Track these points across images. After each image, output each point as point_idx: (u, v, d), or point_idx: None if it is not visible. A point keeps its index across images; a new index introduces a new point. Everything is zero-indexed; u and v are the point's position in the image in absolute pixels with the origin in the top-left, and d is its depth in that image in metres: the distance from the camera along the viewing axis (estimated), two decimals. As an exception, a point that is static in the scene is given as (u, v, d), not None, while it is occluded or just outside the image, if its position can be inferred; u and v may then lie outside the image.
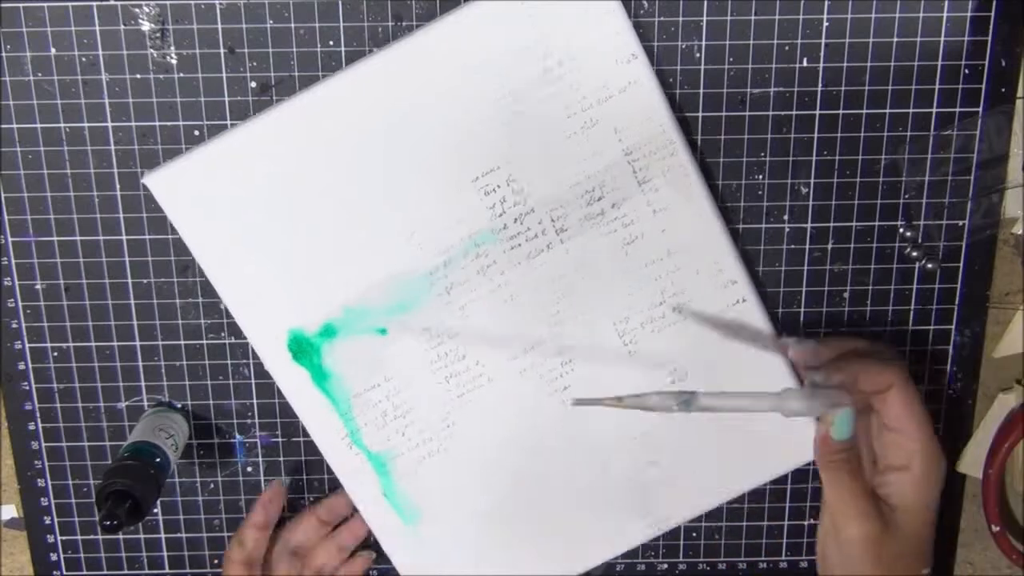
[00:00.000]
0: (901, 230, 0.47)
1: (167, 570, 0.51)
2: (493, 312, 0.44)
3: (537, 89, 0.41)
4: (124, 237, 0.46)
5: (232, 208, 0.42)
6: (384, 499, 0.46)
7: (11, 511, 0.51)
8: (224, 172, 0.42)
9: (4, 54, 0.44)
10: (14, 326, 0.47)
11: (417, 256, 0.43)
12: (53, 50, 0.44)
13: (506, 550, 0.47)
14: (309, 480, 0.50)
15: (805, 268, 0.47)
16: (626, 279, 0.44)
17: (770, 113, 0.45)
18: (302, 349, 0.44)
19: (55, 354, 0.48)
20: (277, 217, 0.42)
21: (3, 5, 0.43)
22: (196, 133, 0.45)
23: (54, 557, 0.51)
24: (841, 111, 0.45)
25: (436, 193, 0.42)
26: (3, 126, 0.44)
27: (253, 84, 0.44)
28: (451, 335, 0.44)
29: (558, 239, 0.43)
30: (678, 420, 0.44)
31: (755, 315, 0.44)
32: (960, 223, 0.47)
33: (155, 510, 0.50)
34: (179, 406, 0.48)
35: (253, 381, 0.48)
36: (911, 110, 0.45)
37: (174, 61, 0.44)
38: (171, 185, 0.42)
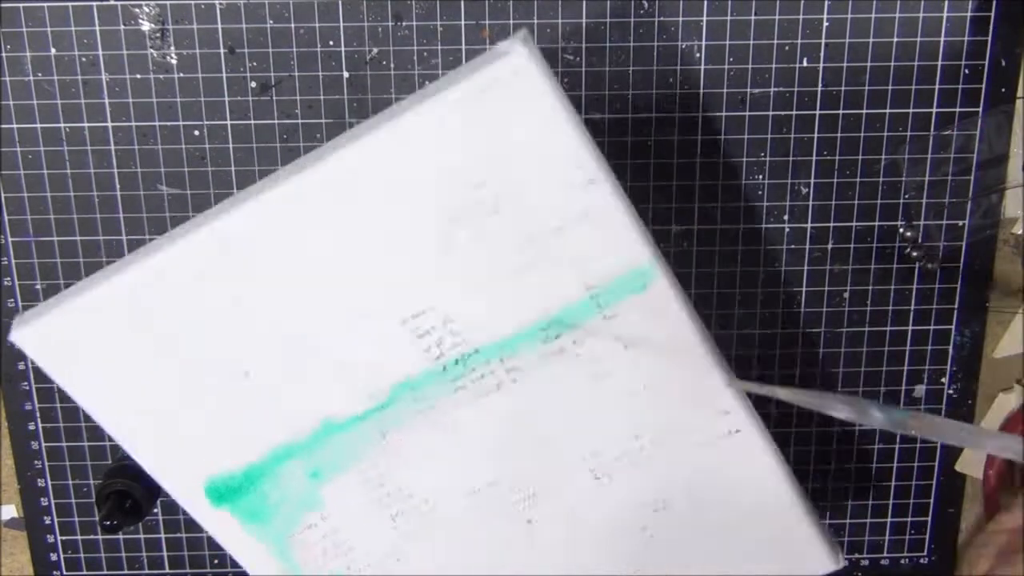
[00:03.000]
0: (901, 230, 0.47)
1: (167, 570, 0.51)
2: (437, 455, 0.39)
3: (475, 219, 0.34)
4: (124, 237, 0.46)
5: (124, 356, 0.36)
6: None
7: (11, 511, 0.51)
8: (110, 318, 0.35)
9: (4, 54, 0.44)
10: (14, 326, 0.47)
11: (347, 400, 0.38)
12: (53, 50, 0.44)
13: None
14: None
15: (805, 268, 0.47)
16: (594, 416, 0.38)
17: (770, 113, 0.45)
18: (222, 495, 0.39)
19: (55, 354, 0.48)
20: (178, 364, 0.37)
21: (3, 5, 0.43)
22: (196, 133, 0.45)
23: (54, 557, 0.51)
24: (841, 111, 0.45)
25: (361, 336, 0.36)
26: (3, 126, 0.44)
27: (253, 84, 0.44)
28: (391, 476, 0.39)
29: (509, 378, 0.37)
30: (657, 546, 0.41)
31: (750, 446, 0.39)
32: (960, 223, 0.47)
33: (155, 510, 0.50)
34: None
35: (253, 381, 0.48)
36: (911, 110, 0.45)
37: (174, 61, 0.44)
38: (44, 339, 0.36)
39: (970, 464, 0.50)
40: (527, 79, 0.32)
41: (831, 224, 0.47)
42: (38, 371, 0.48)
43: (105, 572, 0.51)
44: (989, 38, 0.44)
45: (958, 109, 0.45)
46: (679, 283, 0.36)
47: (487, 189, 0.34)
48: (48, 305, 0.36)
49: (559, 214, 0.34)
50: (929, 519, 0.51)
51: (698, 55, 0.44)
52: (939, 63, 0.45)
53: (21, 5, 0.43)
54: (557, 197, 0.34)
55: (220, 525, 0.40)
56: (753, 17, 0.44)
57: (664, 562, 0.42)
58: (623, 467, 0.39)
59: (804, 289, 0.48)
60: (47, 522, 0.50)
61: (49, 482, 0.49)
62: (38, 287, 0.47)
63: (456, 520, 0.40)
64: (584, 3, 0.44)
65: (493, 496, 0.40)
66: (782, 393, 0.34)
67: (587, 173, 0.33)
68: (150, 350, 0.36)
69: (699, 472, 0.39)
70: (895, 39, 0.44)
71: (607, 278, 0.35)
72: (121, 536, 0.50)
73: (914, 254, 0.47)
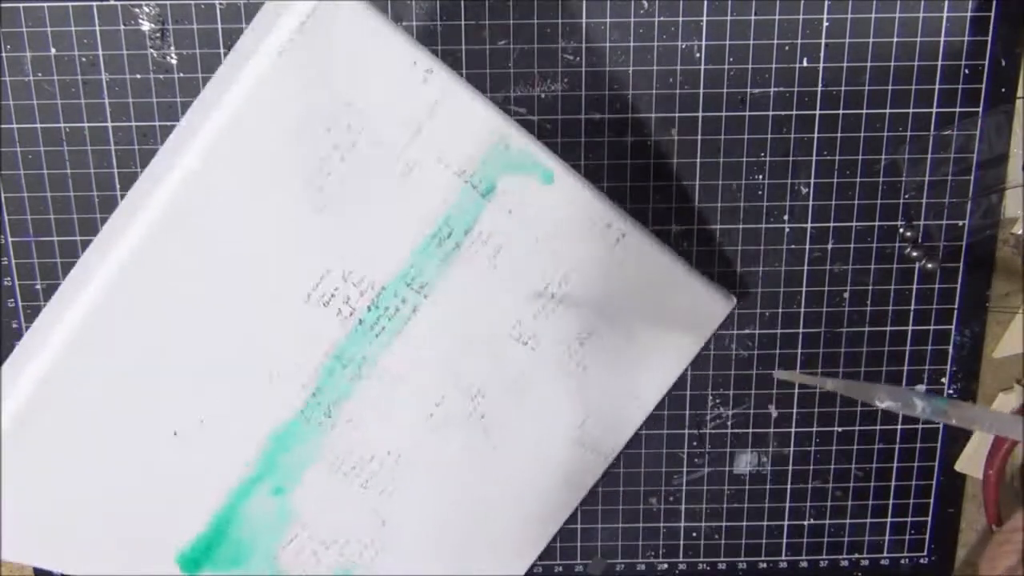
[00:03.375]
0: (901, 230, 0.47)
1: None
2: (382, 403, 0.40)
3: (335, 166, 0.34)
4: (124, 237, 0.46)
5: (43, 495, 0.35)
6: None
7: (11, 511, 0.51)
8: (24, 457, 0.34)
9: (4, 54, 0.44)
10: (14, 326, 0.47)
11: (282, 403, 0.38)
12: (53, 50, 0.44)
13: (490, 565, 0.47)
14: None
15: (805, 268, 0.47)
16: (504, 289, 0.39)
17: (770, 113, 0.45)
18: (197, 560, 0.39)
19: (55, 354, 0.48)
20: (103, 464, 0.36)
21: (3, 5, 0.43)
22: (196, 133, 0.45)
23: (54, 557, 0.51)
24: (841, 111, 0.45)
25: (273, 333, 0.36)
26: (3, 126, 0.44)
27: (253, 84, 0.44)
28: (350, 450, 0.40)
29: (421, 297, 0.38)
30: (593, 373, 0.43)
31: (638, 244, 0.41)
32: (960, 223, 0.47)
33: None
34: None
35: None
36: (911, 110, 0.45)
37: (174, 61, 0.44)
38: None
39: (970, 464, 0.50)
40: (329, 7, 0.32)
41: (831, 224, 0.47)
42: (38, 371, 0.48)
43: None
44: (989, 38, 0.44)
45: (958, 109, 0.45)
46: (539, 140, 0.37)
47: (337, 129, 0.34)
48: None
49: (411, 118, 0.35)
50: (929, 519, 0.51)
51: (698, 55, 0.44)
52: (939, 63, 0.45)
53: (21, 5, 0.43)
54: (404, 103, 0.34)
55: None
56: (753, 17, 0.44)
57: (608, 388, 0.43)
58: (542, 322, 0.41)
59: (804, 289, 0.48)
60: (47, 522, 0.50)
61: (49, 482, 0.49)
62: (38, 287, 0.47)
63: (421, 454, 0.41)
64: (584, 3, 0.44)
65: (447, 413, 0.41)
66: (830, 384, 0.36)
67: (422, 65, 0.34)
68: (69, 475, 0.35)
69: (603, 289, 0.41)
70: (895, 39, 0.44)
71: (475, 158, 0.36)
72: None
73: (914, 254, 0.47)
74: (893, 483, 0.51)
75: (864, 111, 0.45)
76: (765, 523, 0.51)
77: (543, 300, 0.40)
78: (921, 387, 0.49)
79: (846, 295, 0.48)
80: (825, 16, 0.44)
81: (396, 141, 0.35)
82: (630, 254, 0.40)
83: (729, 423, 0.50)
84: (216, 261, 0.34)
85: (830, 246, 0.47)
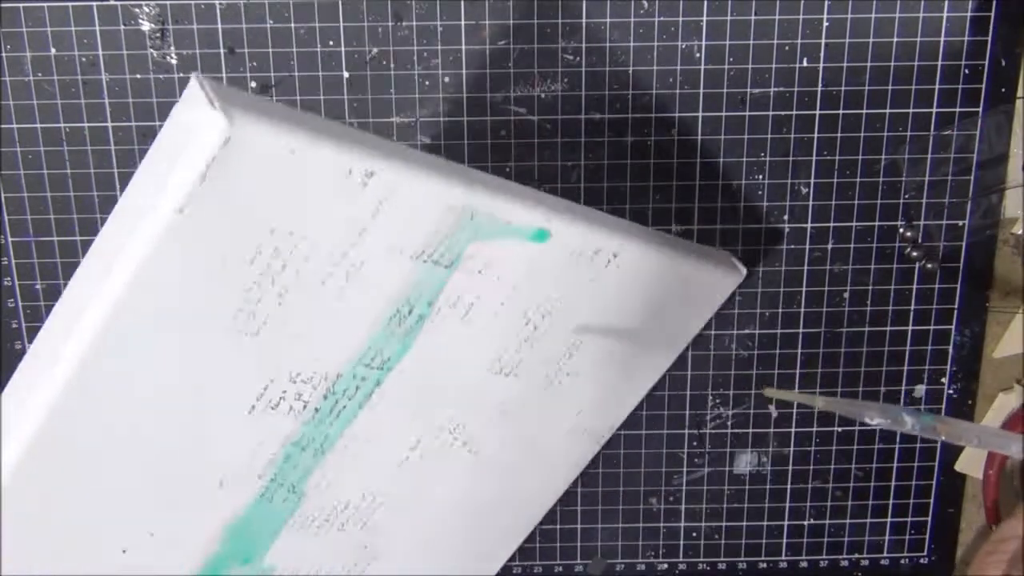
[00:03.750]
0: (901, 230, 0.47)
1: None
2: (353, 466, 0.38)
3: (265, 289, 0.31)
4: (124, 237, 0.46)
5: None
6: None
7: (11, 511, 0.51)
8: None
9: (4, 54, 0.44)
10: (14, 326, 0.47)
11: (239, 496, 0.36)
12: (53, 50, 0.44)
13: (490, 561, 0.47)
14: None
15: (805, 268, 0.47)
16: (479, 340, 0.37)
17: (770, 113, 0.45)
18: None
19: (55, 354, 0.48)
20: (62, 557, 0.34)
21: (3, 5, 0.43)
22: (196, 133, 0.45)
23: (54, 557, 0.51)
24: (841, 111, 0.45)
25: (219, 443, 0.35)
26: (3, 126, 0.44)
27: (253, 84, 0.44)
28: (320, 509, 0.39)
29: (384, 371, 0.36)
30: (581, 380, 0.41)
31: (633, 260, 0.39)
32: (960, 223, 0.47)
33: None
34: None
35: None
36: (911, 110, 0.45)
37: (174, 61, 0.44)
38: None
39: (970, 464, 0.50)
40: (244, 134, 0.27)
41: (831, 224, 0.47)
42: (38, 371, 0.48)
43: (105, 572, 0.51)
44: (989, 38, 0.44)
45: (958, 109, 0.45)
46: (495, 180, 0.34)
47: (263, 256, 0.30)
48: None
49: (354, 223, 0.31)
50: (929, 519, 0.51)
51: (698, 55, 0.44)
52: (939, 63, 0.45)
53: (21, 5, 0.43)
54: (342, 212, 0.31)
55: None
56: (753, 17, 0.44)
57: (602, 381, 0.42)
58: (526, 352, 0.39)
59: (804, 289, 0.48)
60: (47, 522, 0.50)
61: (49, 482, 0.49)
62: (38, 287, 0.47)
63: (399, 489, 0.41)
64: (584, 3, 0.44)
65: (425, 451, 0.40)
66: (821, 402, 0.36)
67: (360, 169, 0.30)
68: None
69: (592, 307, 0.39)
70: (895, 39, 0.44)
71: (434, 236, 0.33)
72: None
73: (914, 254, 0.47)
74: (893, 483, 0.51)
75: (864, 111, 0.45)
76: (765, 523, 0.51)
77: (524, 334, 0.38)
78: (921, 387, 0.49)
79: (846, 295, 0.48)
80: (825, 16, 0.44)
81: (336, 250, 0.32)
82: (625, 269, 0.38)
83: (729, 423, 0.50)
84: (153, 384, 0.32)
85: (830, 246, 0.47)
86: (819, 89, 0.45)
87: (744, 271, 0.44)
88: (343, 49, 0.44)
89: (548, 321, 0.38)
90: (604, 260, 0.37)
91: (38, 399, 0.30)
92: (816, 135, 0.46)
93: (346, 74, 0.44)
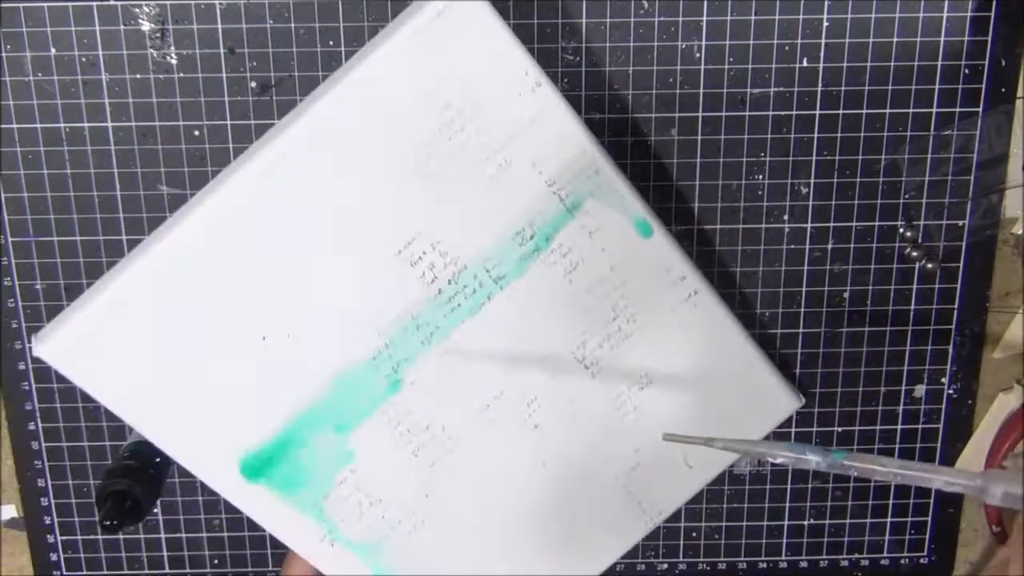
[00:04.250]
0: (901, 230, 0.47)
1: (167, 570, 0.51)
2: (445, 376, 0.42)
3: (442, 142, 0.38)
4: (124, 237, 0.46)
5: (143, 351, 0.38)
6: None
7: (11, 511, 0.51)
8: (126, 316, 0.38)
9: (4, 54, 0.44)
10: (14, 326, 0.47)
11: (358, 343, 0.40)
12: (53, 50, 0.44)
13: None
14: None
15: (805, 268, 0.47)
16: (574, 307, 0.42)
17: (770, 113, 0.45)
18: (257, 469, 0.41)
19: (55, 354, 0.48)
20: (198, 344, 0.39)
21: (3, 5, 0.43)
22: (196, 133, 0.45)
23: (54, 557, 0.51)
24: (841, 111, 0.45)
25: (361, 275, 0.40)
26: (3, 126, 0.44)
27: (253, 84, 0.44)
28: (409, 411, 0.42)
29: (497, 287, 0.41)
30: (646, 422, 0.44)
31: (709, 305, 0.43)
32: (960, 223, 0.47)
33: (155, 510, 0.50)
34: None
35: (253, 381, 0.48)
36: (911, 110, 0.45)
37: (174, 61, 0.44)
38: (66, 348, 0.38)
39: (970, 464, 0.50)
40: (464, 7, 0.36)
41: (831, 224, 0.47)
42: (38, 371, 0.48)
43: (105, 572, 0.51)
44: (989, 38, 0.44)
45: (958, 109, 0.45)
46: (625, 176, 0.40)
47: (450, 111, 0.38)
48: (63, 316, 0.38)
49: (515, 121, 0.38)
50: (929, 519, 0.51)
51: (698, 55, 0.44)
52: (939, 63, 0.45)
53: (21, 5, 0.43)
54: (510, 106, 0.38)
55: (257, 502, 0.42)
56: (753, 17, 0.44)
57: (663, 445, 0.43)
58: (607, 352, 0.43)
59: (804, 289, 0.48)
60: (47, 522, 0.50)
61: (49, 482, 0.49)
62: (38, 287, 0.47)
63: (471, 440, 0.43)
64: (584, 3, 0.44)
65: (502, 409, 0.43)
66: (719, 444, 0.36)
67: (532, 78, 0.38)
68: (167, 339, 0.38)
69: (669, 341, 0.43)
70: (895, 39, 0.44)
71: (565, 174, 0.40)
72: (121, 536, 0.50)
73: (914, 254, 0.47)
74: (893, 483, 0.51)
75: (864, 111, 0.45)
76: (765, 523, 0.51)
77: (610, 331, 0.42)
78: (921, 387, 0.49)
79: (846, 295, 0.48)
80: (825, 16, 0.44)
81: (498, 137, 0.39)
82: (700, 315, 0.43)
83: (729, 423, 0.49)
84: (330, 196, 0.38)
85: (830, 246, 0.47)
86: (819, 89, 0.45)
87: (802, 400, 0.46)
88: (343, 49, 0.44)
89: (631, 328, 0.43)
90: (685, 292, 0.42)
91: (238, 176, 0.37)
92: (816, 135, 0.46)
93: (346, 74, 0.44)
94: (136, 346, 0.38)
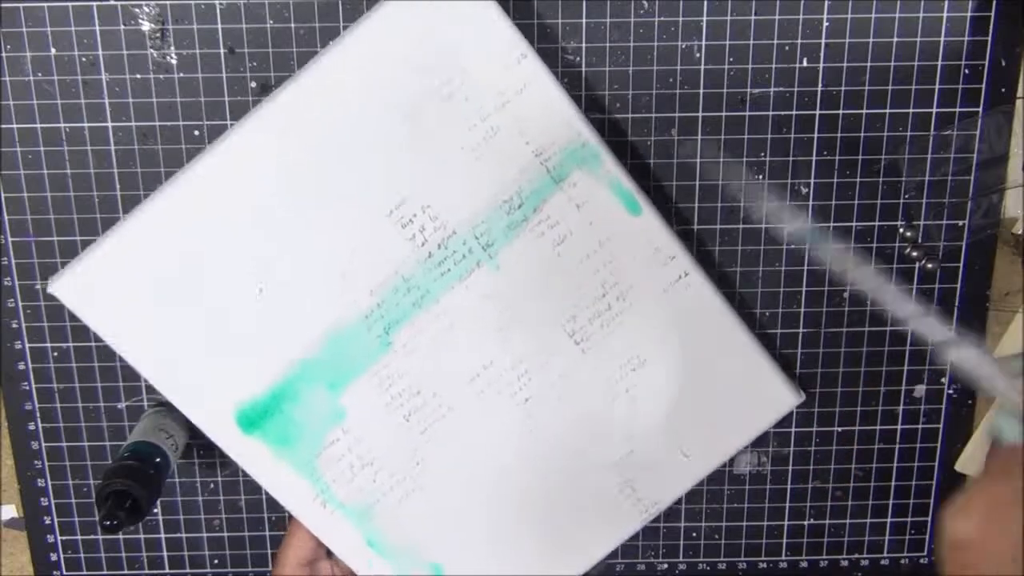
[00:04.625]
0: (901, 230, 0.47)
1: (167, 570, 0.51)
2: (437, 342, 0.43)
3: (432, 108, 0.40)
4: (124, 237, 0.46)
5: (148, 295, 0.41)
6: (370, 549, 0.45)
7: (11, 511, 0.51)
8: (133, 260, 0.40)
9: (4, 54, 0.44)
10: (14, 326, 0.47)
11: (350, 301, 0.42)
12: (53, 50, 0.44)
13: (506, 566, 0.47)
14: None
15: (805, 268, 0.47)
16: (563, 279, 0.43)
17: (770, 113, 0.45)
18: (252, 421, 0.43)
19: (55, 354, 0.48)
20: (198, 293, 0.41)
21: (3, 5, 0.43)
22: (196, 133, 0.45)
23: (54, 557, 0.51)
24: (841, 111, 0.45)
25: (354, 233, 0.41)
26: (3, 126, 0.44)
27: (253, 84, 0.44)
28: (400, 375, 0.43)
29: (486, 255, 0.42)
30: (641, 406, 0.45)
31: (700, 288, 0.44)
32: (960, 223, 0.47)
33: (155, 510, 0.50)
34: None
35: (253, 381, 0.48)
36: (911, 110, 0.45)
37: (174, 61, 0.44)
38: (80, 286, 0.40)
39: (970, 464, 0.50)
40: None
41: (831, 224, 0.47)
42: (38, 371, 0.48)
43: (105, 572, 0.51)
44: (989, 38, 0.44)
45: (958, 109, 0.45)
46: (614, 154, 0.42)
47: (439, 78, 0.40)
48: (78, 258, 0.40)
49: (503, 90, 0.40)
50: (929, 519, 0.51)
51: (698, 55, 0.44)
52: (939, 63, 0.45)
53: (21, 5, 0.43)
54: (498, 76, 0.40)
55: (252, 454, 0.43)
56: (753, 17, 0.44)
57: (657, 431, 0.45)
58: (597, 329, 0.44)
59: (804, 289, 0.48)
60: (47, 522, 0.50)
61: (49, 482, 0.49)
62: (38, 287, 0.47)
63: (462, 409, 0.44)
64: (584, 3, 0.44)
65: (492, 378, 0.44)
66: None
67: (518, 50, 0.39)
68: (171, 284, 0.41)
69: (662, 323, 0.44)
70: (895, 39, 0.44)
71: (552, 145, 0.41)
72: (121, 536, 0.50)
73: (914, 254, 0.47)
74: (893, 483, 0.51)
75: (864, 111, 0.45)
76: (765, 523, 0.51)
77: (599, 307, 0.43)
78: (921, 387, 0.49)
79: (846, 295, 0.48)
80: (825, 16, 0.44)
81: (485, 105, 0.40)
82: (692, 299, 0.43)
83: (729, 423, 0.49)
84: (325, 155, 0.40)
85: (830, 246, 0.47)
86: (819, 89, 0.45)
87: (802, 396, 0.46)
88: (343, 49, 0.44)
89: (621, 305, 0.43)
90: (675, 274, 0.43)
91: (245, 126, 0.40)
92: (816, 135, 0.46)
93: (346, 74, 0.44)
94: (143, 290, 0.40)
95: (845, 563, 0.52)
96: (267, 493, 0.50)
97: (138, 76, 0.44)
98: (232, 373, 0.42)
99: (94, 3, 0.43)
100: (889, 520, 0.51)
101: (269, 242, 0.41)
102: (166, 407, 0.48)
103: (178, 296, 0.41)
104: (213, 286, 0.41)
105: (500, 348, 0.43)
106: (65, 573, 0.51)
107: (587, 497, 0.46)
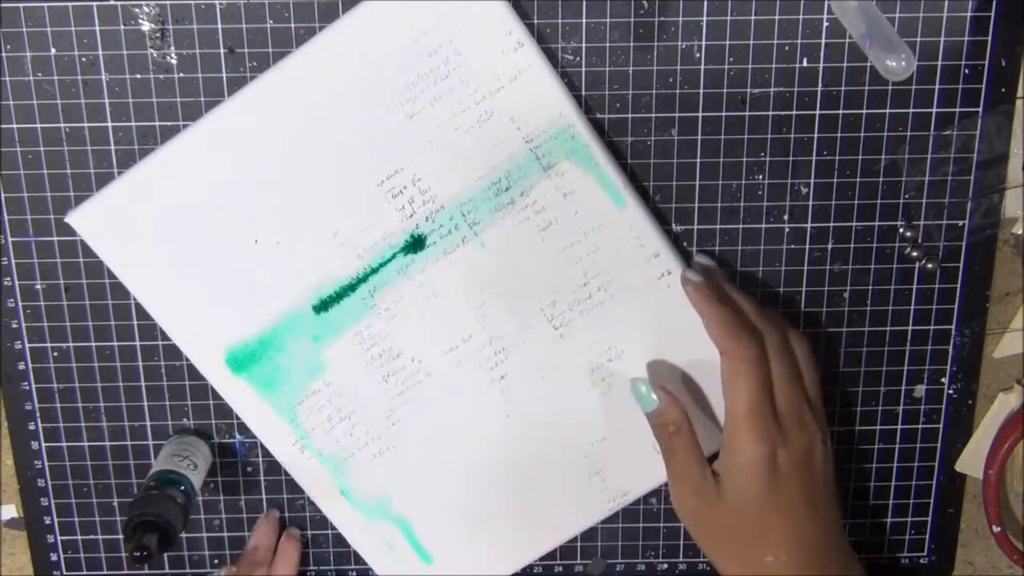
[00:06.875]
0: (901, 230, 0.47)
1: (167, 570, 0.51)
2: (420, 310, 0.45)
3: (428, 85, 0.42)
4: (124, 237, 0.46)
5: (156, 234, 0.43)
6: (343, 498, 0.47)
7: (11, 511, 0.51)
8: (144, 199, 0.43)
9: (4, 54, 0.44)
10: (14, 326, 0.47)
11: (341, 261, 0.44)
12: (53, 50, 0.44)
13: (470, 537, 0.48)
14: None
15: (805, 268, 0.47)
16: (546, 264, 0.44)
17: (770, 113, 0.45)
18: (240, 362, 0.45)
19: (55, 354, 0.48)
20: (200, 237, 0.43)
21: (3, 5, 0.43)
22: (196, 133, 0.45)
23: (54, 557, 0.51)
24: (841, 111, 0.45)
25: (346, 198, 0.43)
26: (3, 126, 0.44)
27: (253, 84, 0.44)
28: (381, 336, 0.45)
29: (472, 232, 0.44)
30: (616, 396, 0.46)
31: (681, 293, 0.44)
32: (960, 223, 0.47)
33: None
34: (193, 428, 0.49)
35: (253, 381, 0.48)
36: (911, 110, 0.45)
37: (174, 61, 0.44)
38: (95, 220, 0.43)
39: (970, 464, 0.50)
40: None
41: (831, 224, 0.47)
42: (38, 371, 0.48)
43: (105, 572, 0.51)
44: (989, 38, 0.44)
45: (958, 109, 0.45)
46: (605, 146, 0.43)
47: (437, 58, 0.41)
48: (98, 194, 0.43)
49: (497, 76, 0.42)
50: (929, 519, 0.51)
51: (698, 55, 0.44)
52: (939, 63, 0.45)
53: (21, 5, 0.43)
54: (494, 62, 0.41)
55: (239, 394, 0.46)
56: (753, 17, 0.44)
57: (631, 424, 0.45)
58: (577, 316, 0.45)
59: (804, 289, 0.48)
60: (47, 522, 0.50)
61: (49, 482, 0.49)
62: (38, 287, 0.47)
63: (439, 378, 0.46)
64: (584, 3, 0.44)
65: (470, 352, 0.45)
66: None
67: (516, 37, 0.41)
68: (177, 227, 0.43)
69: (643, 317, 0.45)
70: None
71: (542, 132, 0.42)
72: (121, 536, 0.50)
73: (914, 254, 0.47)
74: (893, 483, 0.51)
75: (864, 111, 0.45)
76: (765, 523, 0.51)
77: (580, 296, 0.44)
78: (921, 387, 0.49)
79: (846, 295, 0.48)
80: (825, 16, 0.44)
81: (480, 89, 0.42)
82: (676, 298, 0.44)
83: (729, 423, 0.49)
84: (324, 120, 0.42)
85: (830, 246, 0.47)
86: (819, 89, 0.45)
87: None
88: (343, 49, 0.44)
89: (602, 296, 0.45)
90: (659, 271, 0.44)
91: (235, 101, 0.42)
92: (816, 135, 0.46)
93: (346, 74, 0.44)
94: (152, 229, 0.43)
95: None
96: (267, 493, 0.50)
97: (138, 76, 0.44)
98: (225, 316, 0.44)
99: (94, 3, 0.43)
100: (889, 520, 0.51)
101: (267, 196, 0.43)
102: (186, 432, 0.48)
103: (182, 239, 0.43)
104: (214, 231, 0.43)
105: (479, 324, 0.45)
106: (65, 573, 0.51)
107: (556, 479, 0.47)
